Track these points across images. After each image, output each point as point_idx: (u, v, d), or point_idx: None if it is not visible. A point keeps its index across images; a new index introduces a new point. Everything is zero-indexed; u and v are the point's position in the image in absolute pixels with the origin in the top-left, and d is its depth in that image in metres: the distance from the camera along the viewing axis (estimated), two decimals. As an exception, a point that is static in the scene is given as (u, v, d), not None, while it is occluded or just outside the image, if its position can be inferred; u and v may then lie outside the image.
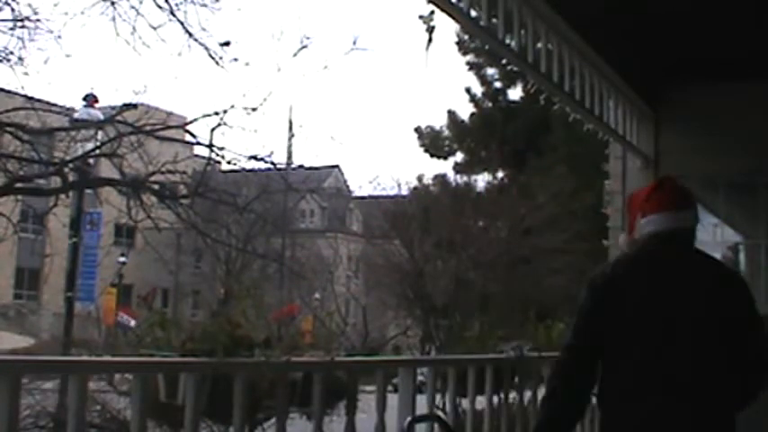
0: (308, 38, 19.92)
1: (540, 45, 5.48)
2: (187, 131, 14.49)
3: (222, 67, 12.69)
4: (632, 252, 3.46)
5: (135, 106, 13.69)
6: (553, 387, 3.45)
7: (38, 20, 11.68)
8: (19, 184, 13.07)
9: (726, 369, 3.28)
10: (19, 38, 11.52)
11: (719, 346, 3.26)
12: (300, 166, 21.34)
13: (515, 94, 23.29)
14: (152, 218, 13.75)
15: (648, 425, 3.23)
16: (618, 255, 3.63)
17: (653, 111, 7.38)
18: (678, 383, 3.24)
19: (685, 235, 3.35)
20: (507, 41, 5.15)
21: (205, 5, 12.25)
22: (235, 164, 13.95)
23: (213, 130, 13.26)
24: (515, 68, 6.87)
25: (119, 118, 13.79)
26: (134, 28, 11.87)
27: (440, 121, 25.14)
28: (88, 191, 16.27)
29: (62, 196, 13.63)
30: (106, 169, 16.09)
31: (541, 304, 15.64)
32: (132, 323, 24.38)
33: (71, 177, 13.60)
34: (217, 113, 13.12)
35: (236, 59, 12.83)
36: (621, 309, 3.28)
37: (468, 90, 24.08)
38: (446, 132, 24.81)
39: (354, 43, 19.64)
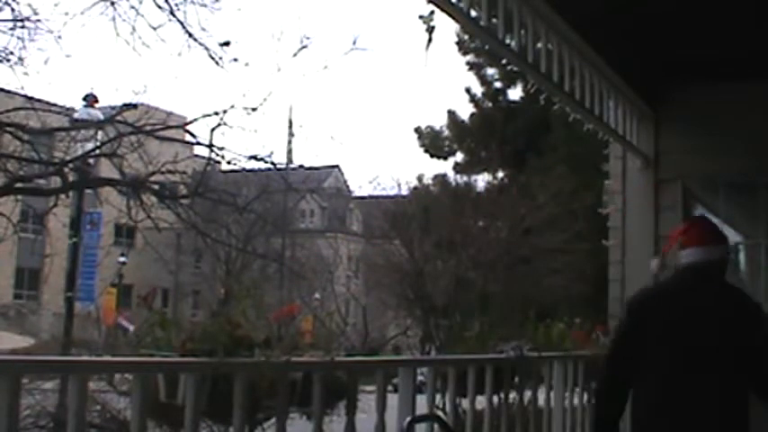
0: (308, 38, 20.03)
1: (540, 45, 5.48)
2: (187, 131, 14.49)
3: (222, 67, 12.72)
4: (667, 281, 3.99)
5: (135, 106, 13.69)
6: (596, 397, 4.09)
7: (38, 20, 11.70)
8: (19, 184, 13.08)
9: (740, 392, 3.69)
10: (19, 38, 11.54)
11: (734, 371, 3.68)
12: (300, 166, 21.36)
13: (515, 94, 23.26)
14: (152, 218, 13.75)
15: None
16: (654, 282, 4.13)
17: (653, 111, 7.38)
18: (695, 406, 3.63)
19: (716, 266, 3.86)
20: (507, 41, 5.15)
21: (205, 5, 12.28)
22: (235, 164, 13.97)
23: (213, 130, 13.29)
24: (515, 68, 6.86)
25: (119, 118, 13.79)
26: (134, 28, 11.90)
27: (440, 121, 25.10)
28: (88, 191, 16.26)
29: (62, 196, 13.63)
30: (106, 169, 16.08)
31: (541, 304, 15.61)
32: (131, 328, 24.35)
33: (71, 177, 13.60)
34: (217, 113, 13.14)
35: (236, 59, 12.86)
36: (649, 335, 3.75)
37: (468, 90, 24.05)
38: (446, 132, 24.77)
39: (354, 43, 19.74)
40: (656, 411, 3.65)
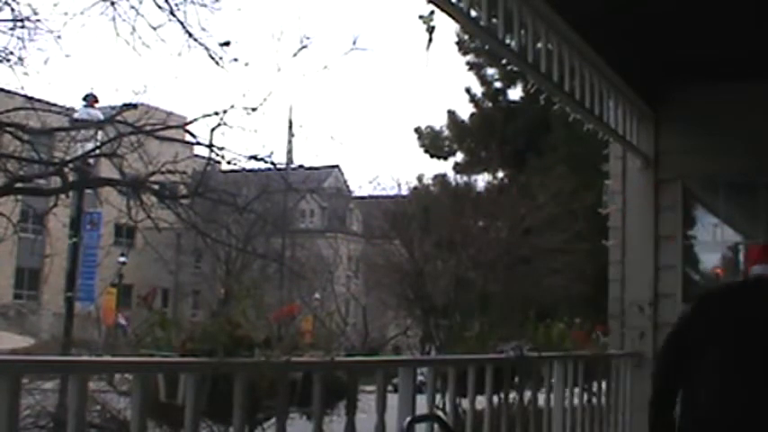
0: (308, 38, 20.04)
1: (540, 45, 5.48)
2: (187, 131, 14.51)
3: (222, 67, 12.74)
4: (734, 283, 4.46)
5: (135, 106, 13.71)
6: (651, 397, 4.23)
7: (38, 20, 11.72)
8: (19, 184, 13.09)
9: None
10: (19, 38, 11.56)
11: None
12: (300, 166, 21.39)
13: (515, 94, 23.24)
14: (152, 218, 13.76)
15: None
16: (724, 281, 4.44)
17: (653, 111, 7.37)
18: (738, 406, 3.79)
19: None
20: (507, 41, 5.15)
21: (205, 5, 12.30)
22: (235, 164, 13.99)
23: (213, 130, 13.32)
24: (515, 68, 6.86)
25: (119, 118, 13.80)
26: (134, 28, 11.93)
27: (440, 121, 25.08)
28: (88, 191, 16.27)
29: (62, 196, 13.64)
30: (106, 169, 16.09)
31: (541, 304, 15.58)
32: (129, 330, 24.37)
33: (71, 177, 13.61)
34: (217, 113, 13.16)
35: (236, 59, 12.89)
36: (707, 329, 3.97)
37: (468, 90, 24.03)
38: (446, 132, 24.75)
39: (354, 43, 19.77)
40: (707, 410, 3.84)
